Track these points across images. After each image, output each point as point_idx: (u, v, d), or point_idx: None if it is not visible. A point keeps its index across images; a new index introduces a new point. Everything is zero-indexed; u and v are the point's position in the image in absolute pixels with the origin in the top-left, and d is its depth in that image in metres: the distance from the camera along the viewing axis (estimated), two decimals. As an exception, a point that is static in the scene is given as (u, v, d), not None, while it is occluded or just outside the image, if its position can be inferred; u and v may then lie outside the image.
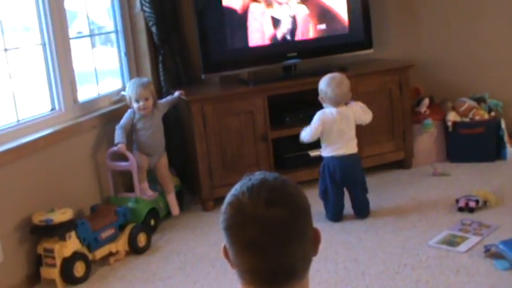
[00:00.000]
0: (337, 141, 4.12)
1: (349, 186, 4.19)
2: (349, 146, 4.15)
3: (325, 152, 4.18)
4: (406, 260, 3.50)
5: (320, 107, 4.21)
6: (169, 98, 4.53)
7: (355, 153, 4.18)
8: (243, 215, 1.39)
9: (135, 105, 4.25)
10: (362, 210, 4.20)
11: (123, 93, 4.67)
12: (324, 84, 4.11)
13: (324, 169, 4.17)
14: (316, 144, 4.53)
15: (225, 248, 1.46)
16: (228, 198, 1.45)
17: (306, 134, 4.20)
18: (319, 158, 4.54)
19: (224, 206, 1.44)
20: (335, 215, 4.17)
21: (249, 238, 1.38)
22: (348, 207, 4.22)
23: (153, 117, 4.35)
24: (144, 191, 4.27)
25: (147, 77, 4.82)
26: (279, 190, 1.42)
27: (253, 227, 1.38)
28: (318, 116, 4.14)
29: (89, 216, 3.95)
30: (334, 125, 4.11)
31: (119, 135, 4.20)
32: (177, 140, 4.71)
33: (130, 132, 4.34)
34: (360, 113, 4.21)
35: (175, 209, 4.44)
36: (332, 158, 4.14)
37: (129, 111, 4.31)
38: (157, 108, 4.38)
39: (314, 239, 1.47)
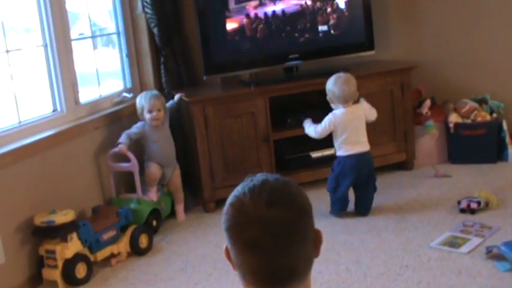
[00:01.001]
0: (352, 140, 4.15)
1: (362, 185, 4.22)
2: (363, 144, 4.19)
3: (341, 151, 4.19)
4: (408, 261, 3.50)
5: (323, 108, 4.22)
6: (169, 103, 4.55)
7: (368, 151, 4.22)
8: (244, 216, 1.40)
9: (147, 115, 4.27)
10: (366, 208, 4.25)
11: (124, 94, 4.68)
12: (331, 83, 4.15)
13: (341, 167, 4.17)
14: (317, 145, 4.54)
15: (226, 249, 1.47)
16: (230, 199, 1.45)
17: (315, 133, 4.24)
18: (321, 160, 4.55)
19: (226, 206, 1.45)
20: (341, 210, 4.23)
21: (250, 238, 1.39)
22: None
23: (163, 128, 4.38)
24: (149, 194, 4.28)
25: (149, 79, 4.84)
26: (280, 191, 1.43)
27: (255, 228, 1.38)
28: (329, 119, 4.16)
29: (91, 217, 3.95)
30: (347, 125, 4.14)
31: (122, 137, 4.21)
32: (178, 141, 4.70)
33: (140, 144, 4.37)
34: (368, 110, 4.27)
35: (181, 217, 4.47)
36: (349, 156, 4.15)
37: (140, 123, 4.34)
38: (165, 119, 4.41)
39: (316, 240, 1.48)
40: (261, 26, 4.70)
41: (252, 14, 4.66)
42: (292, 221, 1.40)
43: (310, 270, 1.47)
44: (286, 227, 1.39)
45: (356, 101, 4.22)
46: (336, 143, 4.20)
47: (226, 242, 1.45)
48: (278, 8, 4.71)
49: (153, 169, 4.30)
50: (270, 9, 4.70)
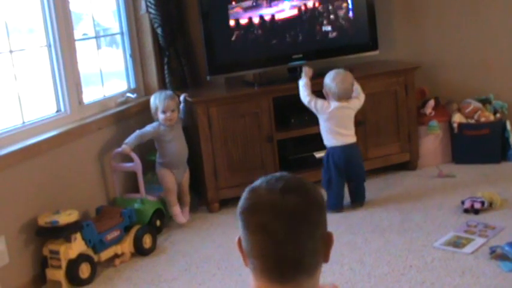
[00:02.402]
0: (339, 132, 4.28)
1: (351, 175, 4.35)
2: (349, 136, 4.31)
3: (328, 142, 4.32)
4: (412, 261, 3.49)
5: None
6: (181, 108, 4.53)
7: (355, 142, 4.34)
8: (258, 199, 1.45)
9: (161, 116, 4.27)
10: (360, 198, 4.40)
11: (128, 94, 4.69)
12: (329, 79, 4.27)
13: (328, 159, 4.31)
14: (321, 145, 4.54)
15: (239, 240, 1.49)
16: (248, 187, 1.50)
17: (303, 96, 4.37)
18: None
19: (243, 194, 1.49)
20: (338, 204, 4.32)
21: (260, 221, 1.42)
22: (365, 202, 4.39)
23: (177, 128, 4.38)
24: (177, 216, 4.32)
25: (153, 79, 4.85)
26: (296, 182, 1.48)
27: (266, 211, 1.42)
28: (321, 103, 4.30)
29: (95, 217, 3.95)
30: (337, 119, 4.26)
31: (131, 138, 4.21)
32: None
33: (148, 144, 4.36)
34: (357, 103, 4.37)
35: (186, 218, 4.44)
36: (335, 147, 4.28)
37: (155, 123, 4.33)
38: (178, 119, 4.42)
39: (326, 241, 1.50)
40: (265, 26, 4.70)
41: (255, 14, 4.66)
42: (304, 210, 1.43)
43: (318, 269, 1.50)
44: (298, 214, 1.42)
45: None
46: (324, 134, 4.33)
47: (239, 232, 1.48)
48: (282, 8, 4.71)
49: (168, 177, 4.31)
50: (274, 10, 4.70)
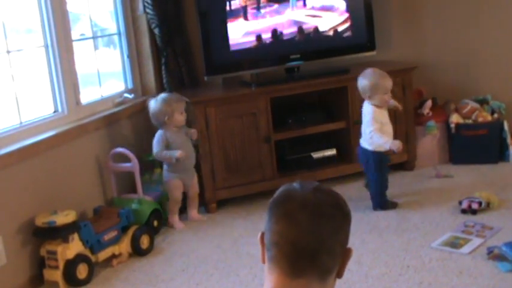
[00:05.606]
0: (362, 131, 4.28)
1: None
2: (363, 139, 4.30)
3: (382, 148, 4.26)
4: (409, 262, 3.50)
5: (323, 109, 4.22)
6: None
7: (364, 147, 4.31)
8: (290, 193, 1.52)
9: (179, 117, 4.24)
10: (372, 199, 4.39)
11: (126, 95, 4.68)
12: (371, 78, 4.21)
13: (382, 162, 4.31)
14: (319, 146, 4.54)
15: (262, 234, 1.55)
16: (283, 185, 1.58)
17: (379, 139, 4.22)
18: (322, 160, 4.54)
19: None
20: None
21: (288, 210, 1.49)
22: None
23: (182, 132, 4.35)
24: (175, 224, 4.32)
25: (150, 80, 4.85)
26: (329, 189, 1.56)
27: (296, 203, 1.49)
28: (371, 116, 4.21)
29: (92, 218, 3.95)
30: (383, 120, 4.26)
31: (159, 146, 4.25)
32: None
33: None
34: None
35: (194, 218, 4.44)
36: (383, 152, 4.28)
37: (158, 134, 4.28)
38: None
39: (344, 253, 1.54)
40: (262, 26, 4.69)
41: (253, 15, 4.66)
42: (330, 210, 1.50)
43: (330, 276, 1.52)
44: (324, 210, 1.49)
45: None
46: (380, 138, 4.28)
47: (264, 226, 1.53)
48: (280, 9, 4.72)
49: (177, 189, 4.31)
50: (271, 10, 4.70)
